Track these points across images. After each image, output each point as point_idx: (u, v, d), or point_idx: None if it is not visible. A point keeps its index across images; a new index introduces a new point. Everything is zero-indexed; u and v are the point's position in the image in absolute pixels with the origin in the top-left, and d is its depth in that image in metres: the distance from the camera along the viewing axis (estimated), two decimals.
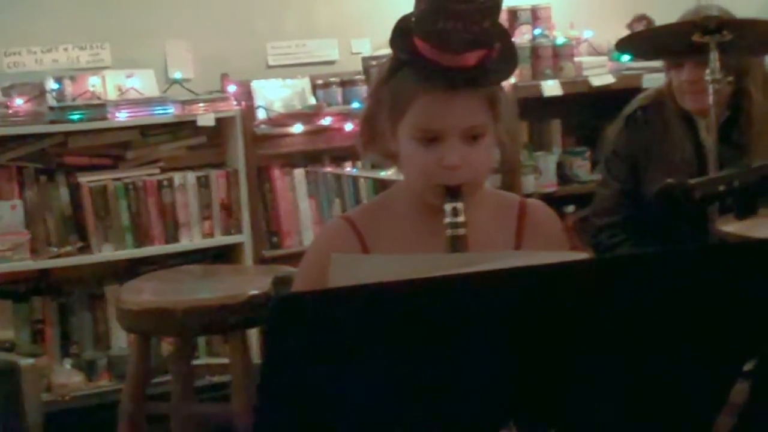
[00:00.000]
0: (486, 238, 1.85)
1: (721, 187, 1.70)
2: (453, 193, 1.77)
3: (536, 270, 1.26)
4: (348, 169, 3.99)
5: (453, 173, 1.77)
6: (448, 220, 1.75)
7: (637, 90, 3.50)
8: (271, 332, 1.16)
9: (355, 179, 4.05)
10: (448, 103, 1.77)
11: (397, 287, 1.18)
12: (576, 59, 4.35)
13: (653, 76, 3.98)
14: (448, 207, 1.76)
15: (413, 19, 1.78)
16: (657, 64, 3.52)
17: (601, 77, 4.27)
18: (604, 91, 4.26)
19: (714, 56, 2.73)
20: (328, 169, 3.96)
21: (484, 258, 1.41)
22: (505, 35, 1.85)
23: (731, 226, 2.53)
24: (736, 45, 2.75)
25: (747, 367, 3.15)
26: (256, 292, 2.77)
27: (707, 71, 2.77)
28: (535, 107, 4.28)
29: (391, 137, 1.86)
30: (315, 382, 1.23)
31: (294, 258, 3.86)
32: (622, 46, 3.00)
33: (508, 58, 1.83)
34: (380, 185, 4.00)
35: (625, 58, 4.28)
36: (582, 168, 4.39)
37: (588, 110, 4.48)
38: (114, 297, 3.65)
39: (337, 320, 1.16)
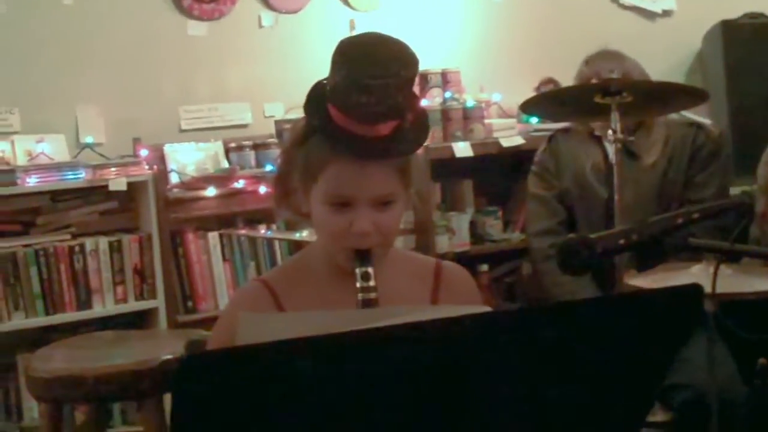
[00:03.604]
0: (400, 301, 1.86)
1: (621, 241, 1.75)
2: (363, 257, 1.79)
3: (438, 323, 1.28)
4: (262, 231, 3.99)
5: (363, 238, 1.80)
6: (358, 284, 1.77)
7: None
8: (177, 394, 1.16)
9: (269, 242, 4.05)
10: (359, 172, 1.79)
11: (301, 344, 1.20)
12: (486, 121, 4.43)
13: None
14: (358, 271, 1.78)
15: (328, 87, 1.80)
16: (564, 125, 3.62)
17: (510, 138, 4.35)
18: (513, 152, 4.35)
19: (615, 116, 2.82)
20: (242, 231, 3.95)
21: (389, 313, 1.43)
22: (417, 105, 1.88)
23: (637, 280, 2.62)
24: (636, 105, 2.86)
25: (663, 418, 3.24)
26: (169, 356, 2.74)
27: (609, 131, 2.87)
28: (447, 168, 4.34)
29: (304, 198, 1.88)
30: None
31: (209, 322, 3.81)
32: (527, 108, 3.09)
33: (420, 127, 1.86)
34: (295, 247, 4.01)
35: (534, 119, 4.39)
36: (494, 227, 4.45)
37: (498, 171, 4.57)
38: (25, 366, 3.58)
39: (243, 378, 1.16)
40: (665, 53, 4.95)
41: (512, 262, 4.47)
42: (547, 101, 3.18)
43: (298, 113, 4.25)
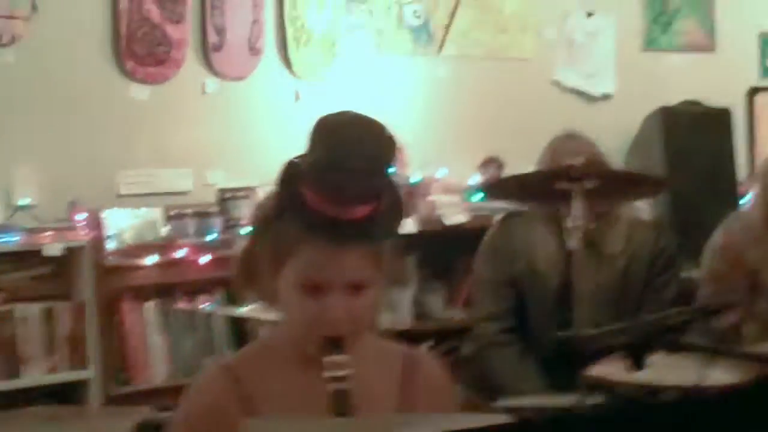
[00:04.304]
0: (368, 390, 1.78)
1: (612, 341, 1.73)
2: (334, 345, 1.72)
3: None
4: (201, 305, 3.89)
5: (335, 325, 1.73)
6: (328, 374, 1.69)
7: (488, 228, 3.60)
8: None
9: (209, 314, 3.95)
10: (333, 256, 1.73)
11: None
12: (429, 198, 4.42)
13: None
14: (328, 360, 1.70)
15: (302, 167, 1.74)
16: (508, 205, 3.63)
17: (454, 216, 4.35)
18: (457, 229, 4.33)
19: (577, 203, 2.82)
20: (181, 305, 3.85)
21: (400, 422, 1.37)
22: (393, 188, 1.81)
23: (597, 369, 2.60)
24: (598, 192, 2.86)
25: None
26: None
27: (569, 219, 2.86)
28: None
29: (271, 279, 1.80)
30: None
31: (143, 396, 3.70)
32: (488, 191, 3.09)
33: (396, 211, 1.80)
34: (235, 322, 3.92)
35: (478, 197, 4.39)
36: (437, 304, 4.42)
37: (442, 247, 4.54)
38: None
39: None
40: (604, 136, 4.99)
41: (453, 341, 4.42)
42: (508, 185, 3.18)
43: (240, 181, 4.20)
